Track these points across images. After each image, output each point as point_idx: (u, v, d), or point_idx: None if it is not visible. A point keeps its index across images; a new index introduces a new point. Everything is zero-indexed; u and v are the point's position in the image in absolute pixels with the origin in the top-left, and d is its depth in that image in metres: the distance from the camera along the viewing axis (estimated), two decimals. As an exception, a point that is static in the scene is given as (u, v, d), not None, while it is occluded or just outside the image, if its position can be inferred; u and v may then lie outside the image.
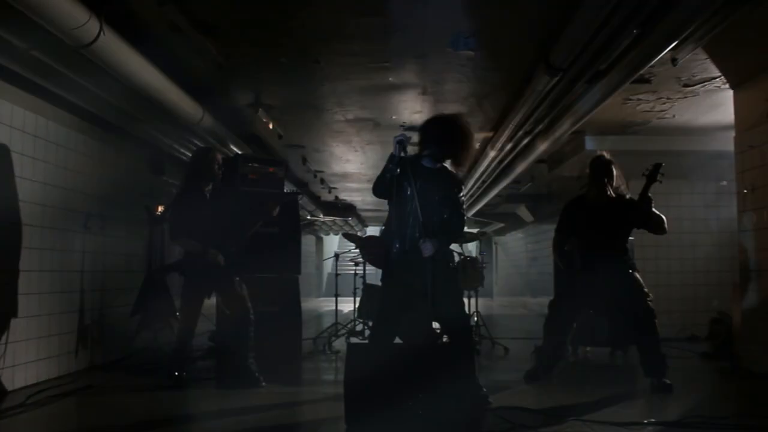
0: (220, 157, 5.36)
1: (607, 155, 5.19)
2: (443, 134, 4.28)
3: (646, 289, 5.04)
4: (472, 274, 7.58)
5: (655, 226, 5.08)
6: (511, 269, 19.04)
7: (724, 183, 9.06)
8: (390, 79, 5.77)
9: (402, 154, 4.10)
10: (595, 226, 5.10)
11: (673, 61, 4.91)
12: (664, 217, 5.08)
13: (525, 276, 16.77)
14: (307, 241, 19.61)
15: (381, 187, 4.25)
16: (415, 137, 4.33)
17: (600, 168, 5.13)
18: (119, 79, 4.70)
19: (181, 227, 5.12)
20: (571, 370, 5.96)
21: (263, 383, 5.10)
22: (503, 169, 9.38)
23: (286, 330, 6.69)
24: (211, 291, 5.33)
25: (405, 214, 4.26)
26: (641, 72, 4.99)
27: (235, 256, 5.26)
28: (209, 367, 5.92)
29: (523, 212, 14.27)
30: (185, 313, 5.29)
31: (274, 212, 5.40)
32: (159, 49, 4.88)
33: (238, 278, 5.26)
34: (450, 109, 6.71)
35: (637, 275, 5.12)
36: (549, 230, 13.75)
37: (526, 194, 12.72)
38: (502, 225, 17.13)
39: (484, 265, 7.85)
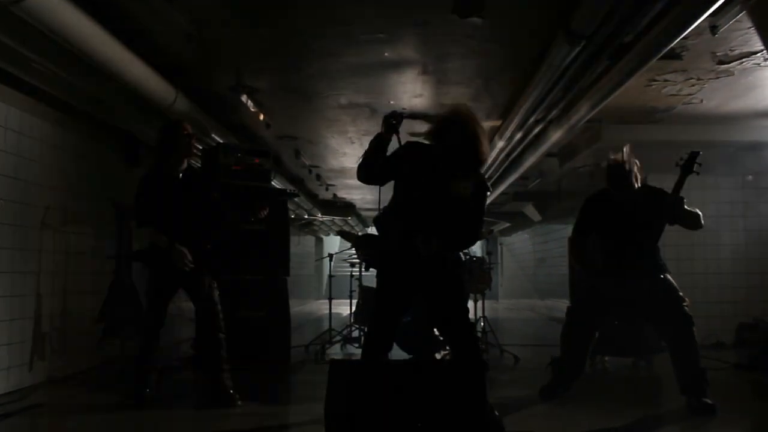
0: (190, 127, 4.66)
1: (626, 163, 4.57)
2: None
3: (681, 293, 4.40)
4: (479, 276, 6.94)
5: (692, 221, 4.47)
6: (518, 270, 18.44)
7: (750, 177, 8.47)
8: (386, 54, 5.09)
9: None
10: (621, 222, 4.48)
11: (713, 29, 4.28)
12: (699, 212, 4.49)
13: (532, 278, 16.19)
14: (307, 241, 19.07)
15: (370, 170, 3.62)
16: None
17: (619, 177, 4.54)
18: (67, 46, 4.03)
19: (146, 213, 4.44)
20: (591, 384, 5.25)
21: (239, 402, 4.44)
22: (511, 162, 8.71)
23: (273, 337, 6.09)
24: (175, 290, 4.64)
25: (407, 205, 3.61)
26: (676, 42, 4.33)
27: (208, 254, 4.59)
28: (188, 381, 5.29)
29: (531, 211, 13.63)
30: (147, 315, 4.62)
31: (262, 214, 4.73)
32: (114, 13, 4.22)
33: (208, 278, 4.58)
34: (454, 92, 6.10)
35: (670, 278, 4.48)
36: (558, 230, 13.31)
37: (534, 191, 12.05)
38: (508, 225, 16.50)
39: (491, 265, 7.21)
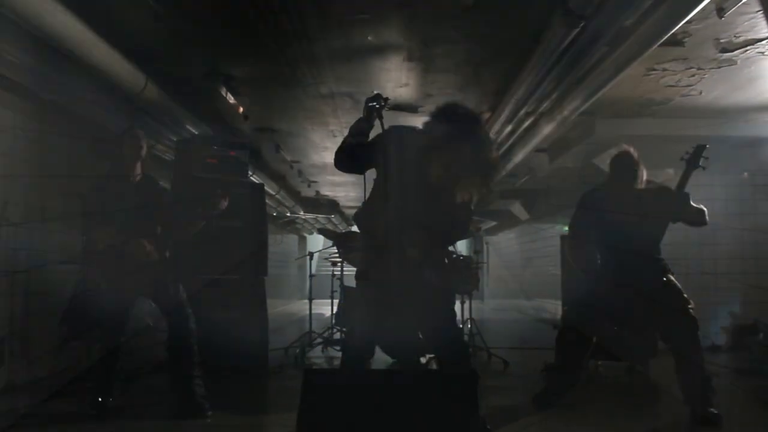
0: (141, 133, 4.43)
1: (634, 155, 4.34)
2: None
3: (686, 295, 4.11)
4: (465, 276, 6.62)
5: (698, 218, 4.22)
6: (504, 270, 18.18)
7: (745, 175, 8.23)
8: (369, 38, 4.76)
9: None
10: (622, 220, 4.19)
11: (719, 11, 4.02)
12: (704, 208, 4.23)
13: (519, 278, 15.94)
14: (289, 240, 18.74)
15: (346, 156, 3.30)
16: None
17: (627, 168, 4.28)
18: (23, 25, 3.67)
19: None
20: (586, 391, 4.93)
21: (209, 411, 4.10)
22: (499, 158, 8.40)
23: (249, 341, 5.73)
24: (136, 294, 4.31)
25: (388, 198, 3.28)
26: (680, 25, 4.05)
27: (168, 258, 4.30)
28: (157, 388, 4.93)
29: (518, 209, 13.36)
30: (108, 319, 4.28)
31: (222, 205, 4.38)
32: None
33: (172, 279, 4.25)
34: (441, 80, 5.77)
35: (673, 278, 4.20)
36: (545, 229, 13.05)
37: (521, 189, 11.75)
38: (494, 223, 16.22)
39: (479, 264, 6.91)
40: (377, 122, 3.29)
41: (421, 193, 3.21)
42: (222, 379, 4.82)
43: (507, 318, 13.77)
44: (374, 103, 3.28)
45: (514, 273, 16.61)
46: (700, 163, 4.07)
